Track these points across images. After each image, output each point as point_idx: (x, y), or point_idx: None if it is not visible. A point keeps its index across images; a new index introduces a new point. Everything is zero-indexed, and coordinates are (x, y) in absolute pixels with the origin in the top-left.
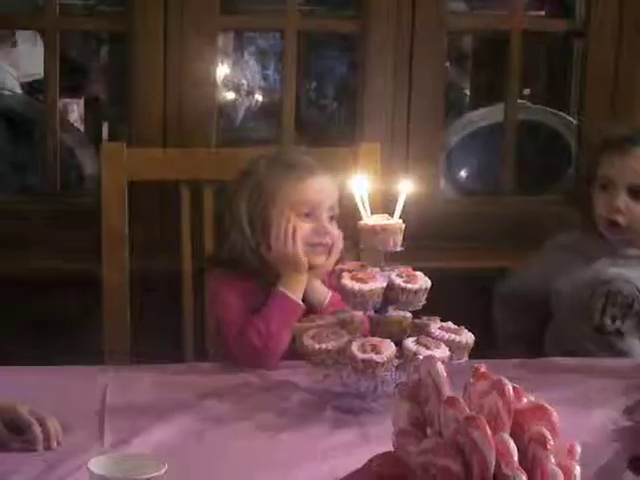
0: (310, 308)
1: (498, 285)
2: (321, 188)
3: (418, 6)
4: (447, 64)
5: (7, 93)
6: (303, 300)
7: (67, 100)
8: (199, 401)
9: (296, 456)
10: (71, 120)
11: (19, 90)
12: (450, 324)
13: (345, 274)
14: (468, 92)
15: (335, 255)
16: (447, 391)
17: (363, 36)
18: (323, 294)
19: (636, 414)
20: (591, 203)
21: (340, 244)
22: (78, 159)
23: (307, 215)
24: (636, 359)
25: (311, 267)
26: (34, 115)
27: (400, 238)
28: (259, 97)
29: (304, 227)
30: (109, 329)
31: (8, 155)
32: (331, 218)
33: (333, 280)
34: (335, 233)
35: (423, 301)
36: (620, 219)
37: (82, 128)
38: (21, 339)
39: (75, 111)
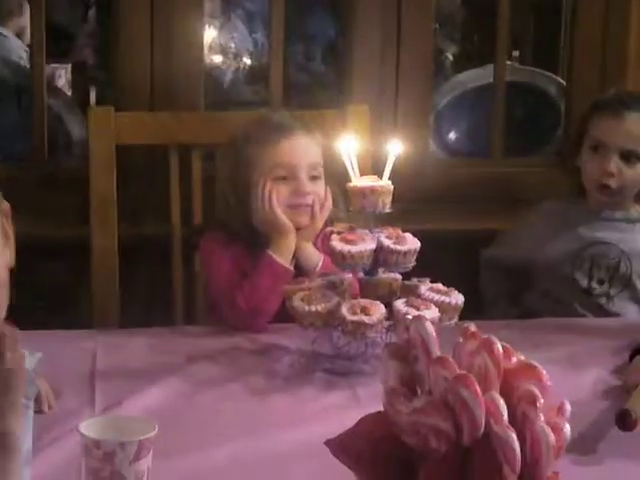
0: (302, 272)
1: (484, 251)
2: (296, 149)
3: None
4: (435, 26)
5: None
6: (296, 264)
7: (54, 65)
8: (189, 364)
9: (286, 418)
10: (59, 85)
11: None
12: (440, 285)
13: (334, 236)
14: (457, 54)
15: (322, 215)
16: (436, 350)
17: None
18: (315, 258)
19: (625, 374)
20: (578, 163)
21: (328, 203)
22: (66, 124)
23: (284, 178)
24: (624, 319)
25: (297, 229)
26: (21, 80)
27: (389, 200)
28: (247, 60)
29: (281, 190)
30: (98, 294)
31: None
32: (314, 178)
33: (325, 244)
34: (319, 192)
35: (413, 262)
36: (612, 182)
37: (69, 93)
38: (9, 305)
39: (62, 77)
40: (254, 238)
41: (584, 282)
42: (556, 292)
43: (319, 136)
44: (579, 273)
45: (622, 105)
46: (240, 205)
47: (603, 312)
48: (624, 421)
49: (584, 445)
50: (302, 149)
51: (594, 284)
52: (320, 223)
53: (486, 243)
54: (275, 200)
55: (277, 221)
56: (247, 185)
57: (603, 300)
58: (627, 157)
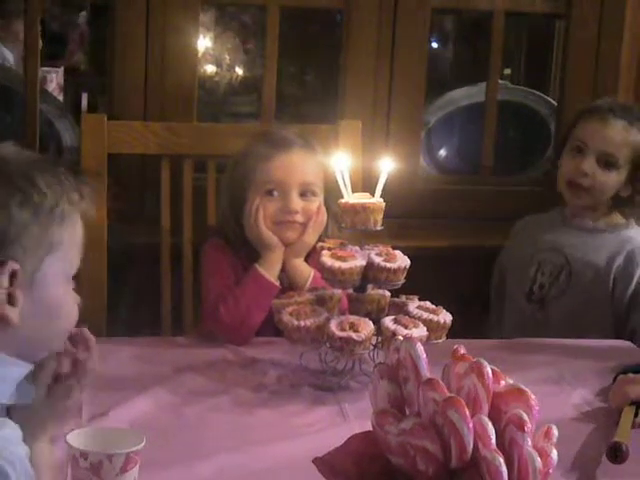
0: (293, 287)
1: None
2: (289, 165)
3: None
4: (429, 43)
5: None
6: (286, 279)
7: (46, 69)
8: (176, 375)
9: (273, 433)
10: (49, 89)
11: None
12: (428, 304)
13: (325, 252)
14: (449, 71)
15: (313, 231)
16: (426, 372)
17: (346, 12)
18: (306, 273)
19: (610, 396)
20: (559, 168)
21: (321, 220)
22: (57, 129)
23: (273, 193)
24: (610, 341)
25: (286, 244)
26: (13, 84)
27: (380, 217)
28: (240, 72)
29: (269, 206)
30: (86, 301)
31: None
32: (308, 194)
33: (317, 259)
34: (310, 209)
35: (402, 280)
36: (583, 181)
37: (61, 98)
38: None
39: (54, 80)
40: (248, 250)
41: (527, 286)
42: (513, 294)
43: (321, 153)
44: (526, 276)
45: (609, 112)
46: (235, 218)
47: (535, 318)
48: (616, 454)
49: (580, 472)
50: (297, 166)
51: (535, 288)
52: (311, 239)
53: (475, 260)
54: (260, 216)
55: (261, 236)
56: (242, 199)
57: (536, 306)
58: (604, 162)
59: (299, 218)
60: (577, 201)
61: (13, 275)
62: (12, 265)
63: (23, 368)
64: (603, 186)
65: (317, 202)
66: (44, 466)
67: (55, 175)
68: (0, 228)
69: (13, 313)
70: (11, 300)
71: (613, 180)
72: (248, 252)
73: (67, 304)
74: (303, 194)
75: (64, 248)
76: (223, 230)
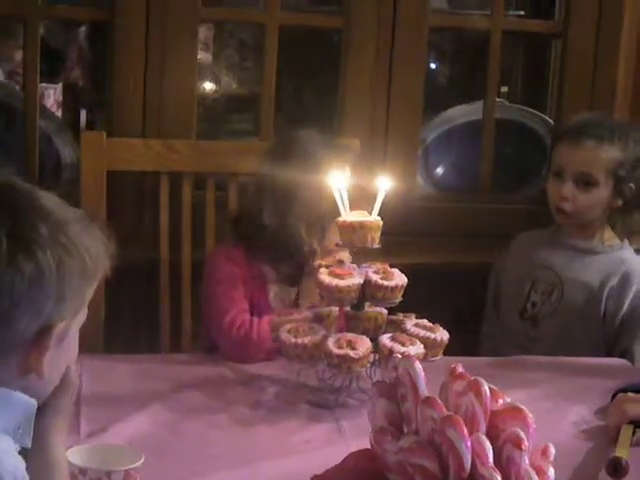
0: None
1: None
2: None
3: (400, 3)
4: (427, 62)
5: None
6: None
7: (44, 85)
8: (174, 392)
9: (270, 449)
10: (47, 106)
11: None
12: (425, 321)
13: (322, 270)
14: (447, 89)
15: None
16: (425, 390)
17: (344, 32)
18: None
19: (607, 414)
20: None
21: None
22: (55, 146)
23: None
24: (606, 359)
25: None
26: (12, 101)
27: (378, 235)
28: (239, 89)
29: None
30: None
31: None
32: None
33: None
34: None
35: (399, 298)
36: (566, 206)
37: (59, 114)
38: None
39: (52, 97)
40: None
41: (521, 303)
42: (506, 310)
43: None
44: (520, 293)
45: (579, 134)
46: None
47: (527, 335)
48: (615, 469)
49: None
50: None
51: (528, 306)
52: None
53: (472, 277)
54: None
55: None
56: (320, 221)
57: (529, 324)
58: (582, 181)
59: None
60: (566, 223)
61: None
62: (60, 327)
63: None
64: (586, 208)
65: None
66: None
67: (95, 235)
68: (62, 290)
69: (46, 367)
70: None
71: (595, 199)
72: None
73: (75, 351)
74: None
75: (88, 301)
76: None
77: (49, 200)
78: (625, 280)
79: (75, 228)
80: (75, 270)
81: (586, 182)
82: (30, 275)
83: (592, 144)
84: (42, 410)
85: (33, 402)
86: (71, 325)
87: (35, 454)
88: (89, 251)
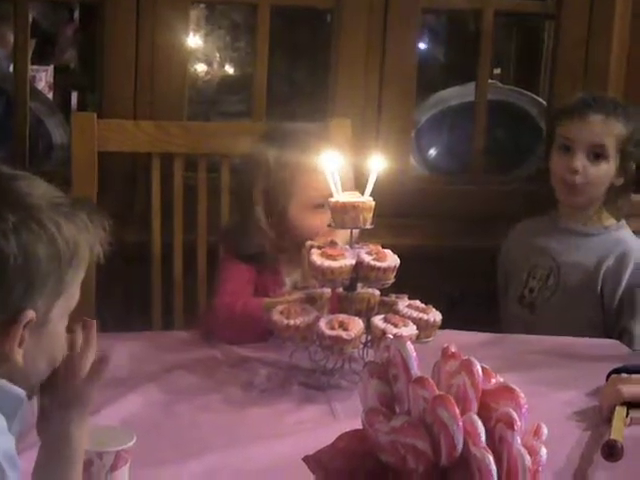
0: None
1: None
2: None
3: None
4: (420, 42)
5: None
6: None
7: (35, 67)
8: (167, 373)
9: (263, 431)
10: (38, 87)
11: None
12: (417, 302)
13: (314, 250)
14: (439, 70)
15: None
16: (416, 371)
17: (336, 11)
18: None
19: (600, 395)
20: (550, 165)
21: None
22: (46, 127)
23: (322, 206)
24: (600, 340)
25: None
26: (4, 84)
27: (370, 216)
28: (230, 70)
29: (324, 220)
30: None
31: None
32: None
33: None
34: None
35: (392, 279)
36: (577, 179)
37: (50, 96)
38: None
39: (43, 79)
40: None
41: (519, 290)
42: (508, 299)
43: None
44: (519, 280)
45: (587, 107)
46: (272, 229)
47: (525, 321)
48: (611, 452)
49: (574, 471)
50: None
51: (526, 292)
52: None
53: (465, 259)
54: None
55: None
56: (283, 212)
57: (527, 310)
58: (593, 154)
59: None
60: (572, 199)
61: (28, 322)
62: (30, 314)
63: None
64: (596, 180)
65: None
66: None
67: (76, 221)
68: (29, 277)
69: (19, 355)
70: (20, 343)
71: (605, 172)
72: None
73: (63, 338)
74: None
75: (72, 287)
76: (233, 241)
77: (26, 184)
78: (622, 259)
79: (50, 214)
80: (45, 256)
81: (597, 155)
82: None
83: (601, 117)
84: (68, 399)
85: (21, 392)
86: (51, 311)
87: (55, 443)
88: (64, 235)
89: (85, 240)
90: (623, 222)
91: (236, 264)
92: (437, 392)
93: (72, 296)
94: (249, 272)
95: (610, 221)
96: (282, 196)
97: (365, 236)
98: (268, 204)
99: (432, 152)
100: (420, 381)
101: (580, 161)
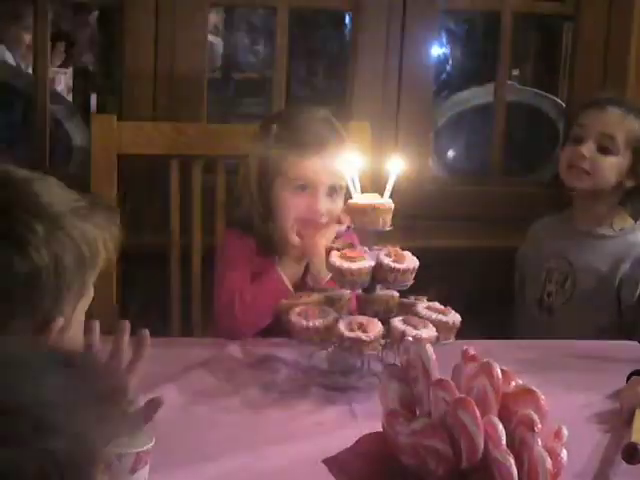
0: (308, 286)
1: None
2: (320, 167)
3: None
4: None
5: None
6: (304, 275)
7: (54, 70)
8: (186, 375)
9: (282, 432)
10: (58, 90)
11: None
12: (437, 304)
13: (334, 252)
14: (458, 72)
15: (329, 230)
16: (436, 373)
17: (355, 14)
18: (324, 271)
19: (621, 397)
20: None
21: (344, 219)
22: (66, 130)
23: (303, 189)
24: (619, 342)
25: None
26: (22, 86)
27: (389, 218)
28: (250, 73)
29: (298, 202)
30: (95, 302)
31: None
32: (334, 193)
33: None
34: (334, 209)
35: (411, 281)
36: (583, 164)
37: (69, 98)
38: None
39: (62, 81)
40: (271, 241)
41: (538, 293)
42: (525, 299)
43: (350, 148)
44: (538, 283)
45: (607, 101)
46: (264, 208)
47: (545, 325)
48: (632, 455)
49: (594, 474)
50: (328, 168)
51: (544, 296)
52: (329, 238)
53: (484, 261)
54: (290, 215)
55: (286, 235)
56: (271, 190)
57: (545, 313)
58: (602, 146)
59: (323, 219)
60: (578, 184)
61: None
62: (60, 322)
63: None
64: (602, 170)
65: (341, 200)
66: None
67: (94, 221)
68: (60, 287)
69: None
70: None
71: (612, 164)
72: (268, 241)
73: (82, 333)
74: (330, 194)
75: (90, 286)
76: (245, 217)
77: (45, 190)
78: (638, 264)
79: (71, 219)
80: (72, 263)
81: (606, 148)
82: (26, 276)
83: (618, 112)
84: None
85: None
86: (74, 314)
87: None
88: (86, 238)
89: (101, 238)
90: (638, 225)
91: (240, 247)
92: (458, 394)
93: (90, 293)
94: (251, 253)
95: (624, 224)
96: (273, 170)
97: (384, 238)
98: (262, 175)
99: (451, 154)
100: (441, 383)
101: (588, 148)
